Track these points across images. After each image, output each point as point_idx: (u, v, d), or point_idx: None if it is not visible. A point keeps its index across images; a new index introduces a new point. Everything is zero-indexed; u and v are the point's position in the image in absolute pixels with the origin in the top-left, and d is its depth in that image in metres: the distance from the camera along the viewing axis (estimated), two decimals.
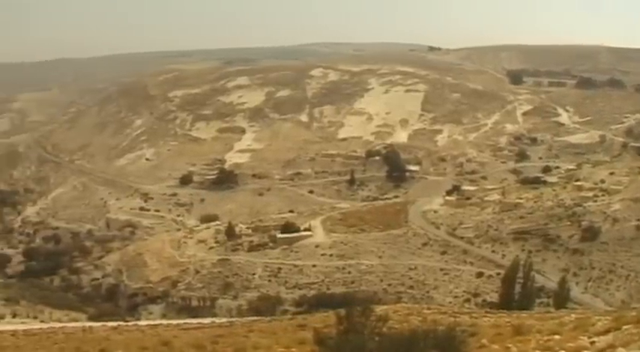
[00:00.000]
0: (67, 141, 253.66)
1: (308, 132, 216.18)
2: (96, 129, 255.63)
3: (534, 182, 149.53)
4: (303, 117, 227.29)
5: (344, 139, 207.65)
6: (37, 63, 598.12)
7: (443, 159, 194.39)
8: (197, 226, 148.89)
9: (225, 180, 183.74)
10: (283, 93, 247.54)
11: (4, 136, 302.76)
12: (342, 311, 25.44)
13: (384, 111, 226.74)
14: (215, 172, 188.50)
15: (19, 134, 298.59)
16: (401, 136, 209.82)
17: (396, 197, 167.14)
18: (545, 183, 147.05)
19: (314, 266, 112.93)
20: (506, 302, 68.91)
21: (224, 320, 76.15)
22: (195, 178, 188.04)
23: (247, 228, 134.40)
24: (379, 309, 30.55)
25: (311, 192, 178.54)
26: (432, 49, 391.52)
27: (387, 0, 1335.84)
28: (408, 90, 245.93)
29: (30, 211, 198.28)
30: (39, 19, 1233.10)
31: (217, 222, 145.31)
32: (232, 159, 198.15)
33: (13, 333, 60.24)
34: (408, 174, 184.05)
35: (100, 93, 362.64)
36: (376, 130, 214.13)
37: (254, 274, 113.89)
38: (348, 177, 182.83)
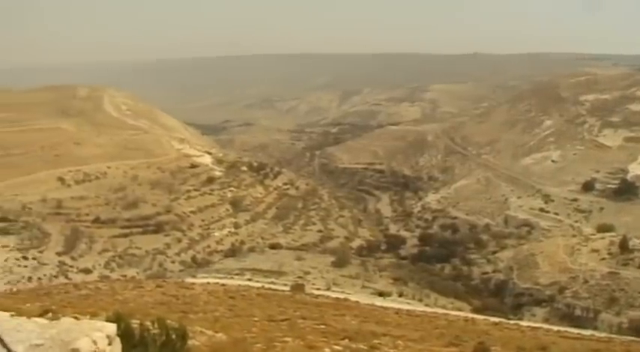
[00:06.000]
0: (476, 134, 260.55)
1: None
2: (505, 126, 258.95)
3: None
4: None
5: None
6: (453, 56, 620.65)
7: None
8: (592, 234, 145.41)
9: (626, 191, 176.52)
10: None
11: (414, 124, 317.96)
12: None
13: None
14: (617, 182, 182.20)
15: (429, 123, 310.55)
16: None
17: None
18: None
19: None
20: None
21: (603, 334, 76.46)
22: (597, 186, 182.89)
23: None
24: None
25: None
26: None
27: None
28: None
29: (431, 198, 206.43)
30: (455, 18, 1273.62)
31: (612, 234, 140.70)
32: (635, 170, 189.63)
33: (397, 311, 64.37)
34: None
35: (512, 90, 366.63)
36: None
37: None
38: None
